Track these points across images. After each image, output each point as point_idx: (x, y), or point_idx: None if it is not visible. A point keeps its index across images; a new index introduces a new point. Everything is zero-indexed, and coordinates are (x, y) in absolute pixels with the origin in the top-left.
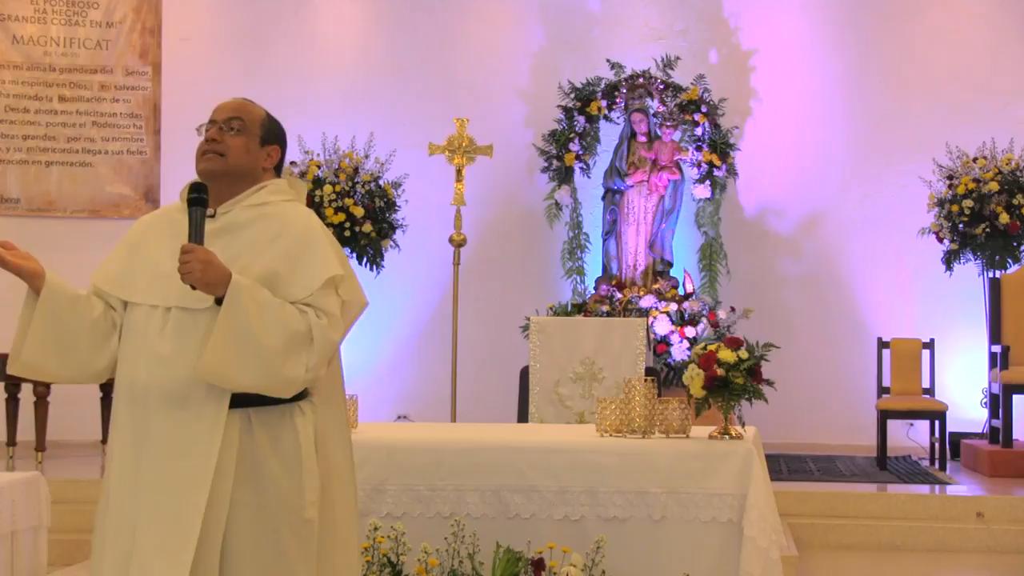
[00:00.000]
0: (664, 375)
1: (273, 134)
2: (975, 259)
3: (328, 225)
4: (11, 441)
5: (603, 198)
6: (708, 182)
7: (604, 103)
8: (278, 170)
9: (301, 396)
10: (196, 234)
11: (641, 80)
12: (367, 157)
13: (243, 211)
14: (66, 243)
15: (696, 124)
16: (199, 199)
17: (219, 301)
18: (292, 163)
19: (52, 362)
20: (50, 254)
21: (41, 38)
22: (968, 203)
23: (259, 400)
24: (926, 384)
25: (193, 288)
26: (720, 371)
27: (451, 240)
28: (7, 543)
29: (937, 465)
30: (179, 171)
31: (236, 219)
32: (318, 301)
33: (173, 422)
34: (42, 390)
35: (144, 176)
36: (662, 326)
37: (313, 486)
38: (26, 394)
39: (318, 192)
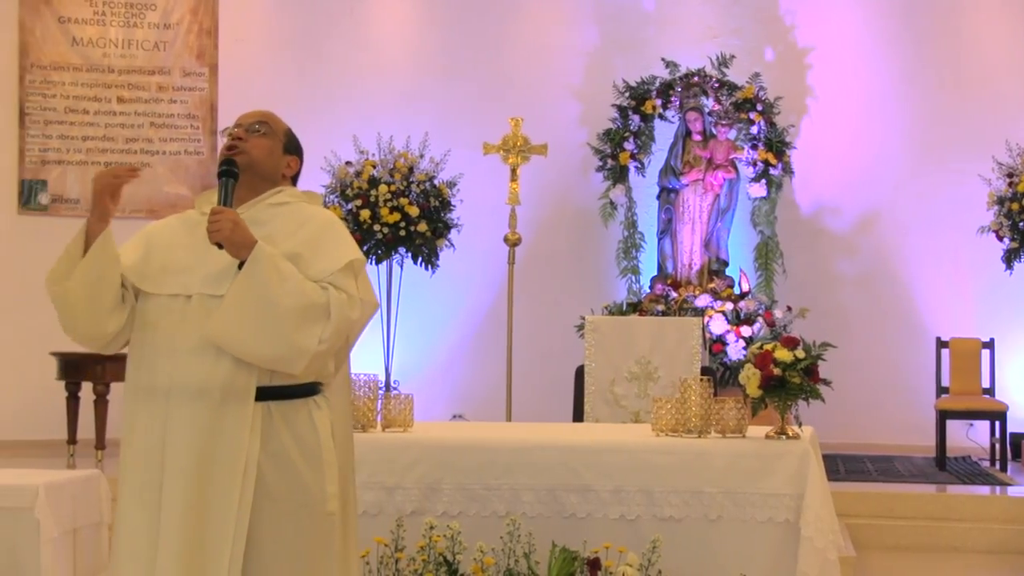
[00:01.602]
0: (720, 375)
1: (294, 146)
2: None
3: (383, 225)
4: (71, 439)
5: (658, 197)
6: (764, 181)
7: (659, 102)
8: (294, 183)
9: (315, 391)
10: (226, 199)
11: (696, 79)
12: (422, 157)
13: (264, 209)
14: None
15: (751, 122)
16: (229, 171)
17: (241, 268)
18: (347, 163)
19: (82, 306)
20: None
21: (100, 40)
22: None
23: (278, 394)
24: (986, 384)
25: (220, 247)
26: (776, 371)
27: (506, 239)
28: (70, 540)
29: (997, 466)
30: None
31: (257, 216)
32: (338, 280)
33: (198, 415)
34: (101, 389)
35: (201, 176)
36: (718, 325)
37: (333, 478)
38: (86, 392)
39: (373, 192)
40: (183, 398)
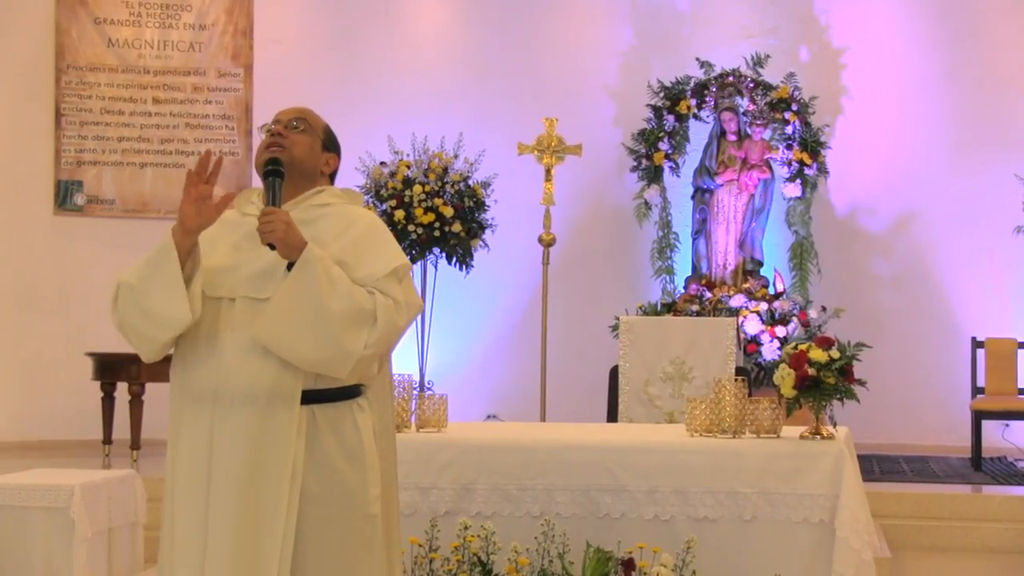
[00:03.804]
0: (754, 375)
1: (333, 143)
2: None
3: (418, 225)
4: (107, 439)
5: (693, 197)
6: (799, 181)
7: (694, 102)
8: (332, 180)
9: (358, 393)
10: (275, 199)
11: (731, 78)
12: (456, 157)
13: (306, 210)
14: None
15: (786, 122)
16: (276, 171)
17: (289, 269)
18: (382, 163)
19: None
20: (144, 255)
21: (136, 41)
22: None
23: (321, 397)
24: (1021, 384)
25: (272, 248)
26: (811, 371)
27: (540, 240)
28: (105, 539)
29: None
30: None
31: (300, 216)
32: (383, 286)
33: (245, 420)
34: (137, 389)
35: (236, 177)
36: (752, 325)
37: (375, 481)
38: (121, 393)
39: (407, 192)
40: (229, 402)
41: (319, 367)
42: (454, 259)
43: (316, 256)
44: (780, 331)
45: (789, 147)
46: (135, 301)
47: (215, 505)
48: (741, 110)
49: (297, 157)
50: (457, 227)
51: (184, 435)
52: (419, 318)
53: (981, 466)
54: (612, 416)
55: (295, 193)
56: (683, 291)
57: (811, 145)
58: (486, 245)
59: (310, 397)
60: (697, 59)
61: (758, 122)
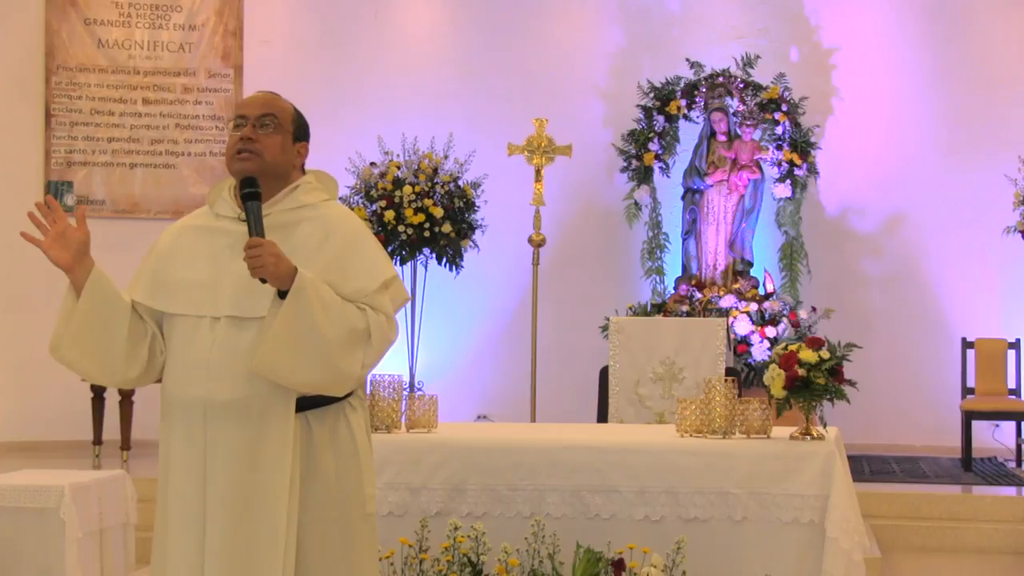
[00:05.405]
0: (745, 375)
1: (302, 130)
2: None
3: (408, 226)
4: (97, 440)
5: (683, 198)
6: (788, 181)
7: (683, 102)
8: (303, 167)
9: (349, 392)
10: (258, 228)
11: (721, 79)
12: (446, 158)
13: (282, 214)
14: (150, 245)
15: (776, 123)
16: (253, 193)
17: (280, 295)
18: (372, 164)
19: (89, 362)
20: (134, 256)
21: (126, 42)
22: None
23: (314, 402)
24: (1012, 384)
25: (263, 281)
26: (801, 371)
27: (530, 240)
28: (96, 540)
29: (1023, 467)
30: None
31: (277, 221)
32: (373, 301)
33: (240, 434)
34: (126, 390)
35: (226, 177)
36: (742, 326)
37: (371, 480)
38: (111, 394)
39: (397, 193)
40: (222, 417)
41: (318, 390)
42: (444, 260)
43: (307, 282)
44: (770, 331)
45: (779, 147)
46: (70, 342)
47: (212, 523)
48: (731, 111)
49: (270, 162)
50: (447, 228)
51: (175, 447)
52: (409, 319)
53: (971, 466)
54: (602, 417)
55: (269, 195)
56: (673, 292)
57: (801, 145)
58: (476, 246)
59: (303, 404)
60: (687, 60)
61: (748, 122)
